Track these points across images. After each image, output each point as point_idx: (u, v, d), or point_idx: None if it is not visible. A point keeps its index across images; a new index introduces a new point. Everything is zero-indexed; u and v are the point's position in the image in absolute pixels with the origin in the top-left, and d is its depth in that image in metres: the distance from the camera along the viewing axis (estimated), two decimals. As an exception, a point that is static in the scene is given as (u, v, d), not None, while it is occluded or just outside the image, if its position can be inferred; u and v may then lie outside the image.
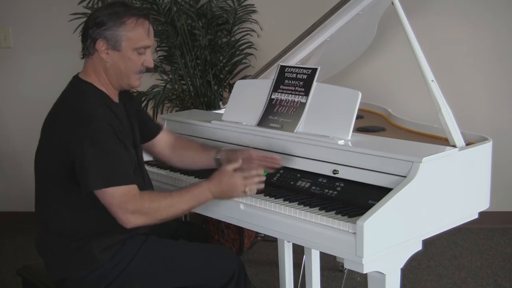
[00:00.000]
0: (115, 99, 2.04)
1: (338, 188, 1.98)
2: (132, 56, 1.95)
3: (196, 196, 1.92)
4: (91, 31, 1.93)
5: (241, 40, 3.81)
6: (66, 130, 1.87)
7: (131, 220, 1.83)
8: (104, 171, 1.82)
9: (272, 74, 2.37)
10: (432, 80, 2.12)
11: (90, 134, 1.82)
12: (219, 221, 2.22)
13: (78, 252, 1.92)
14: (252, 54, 3.80)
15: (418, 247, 1.94)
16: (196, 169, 2.27)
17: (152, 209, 1.86)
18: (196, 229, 2.39)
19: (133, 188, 1.86)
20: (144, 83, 3.74)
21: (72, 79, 2.03)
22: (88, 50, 1.96)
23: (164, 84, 3.61)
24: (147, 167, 2.41)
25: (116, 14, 1.92)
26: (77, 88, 1.99)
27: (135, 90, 3.39)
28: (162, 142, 2.29)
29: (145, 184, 2.09)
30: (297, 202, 1.96)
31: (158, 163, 2.44)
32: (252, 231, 3.64)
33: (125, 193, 1.84)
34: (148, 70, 2.04)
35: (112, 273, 1.91)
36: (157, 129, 2.29)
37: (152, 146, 2.29)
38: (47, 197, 1.98)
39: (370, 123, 2.57)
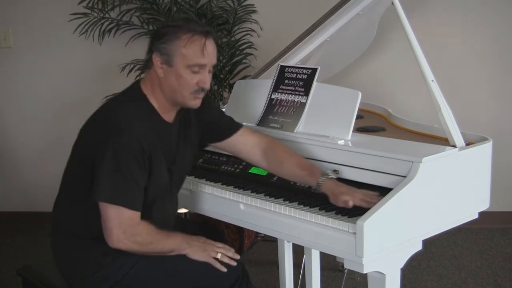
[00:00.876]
0: (167, 117, 1.96)
1: (338, 188, 1.98)
2: (184, 73, 1.86)
3: (176, 243, 1.92)
4: (152, 44, 1.89)
5: (241, 40, 3.81)
6: (97, 134, 1.86)
7: (123, 242, 1.84)
8: (116, 187, 1.80)
9: (272, 74, 2.37)
10: (432, 80, 2.12)
11: (115, 147, 1.79)
12: (219, 221, 2.22)
13: (81, 252, 1.93)
14: (252, 54, 3.80)
15: (418, 247, 1.94)
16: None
17: (146, 241, 1.87)
18: (212, 231, 2.37)
19: (139, 216, 1.86)
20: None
21: (133, 83, 1.98)
22: (147, 62, 1.91)
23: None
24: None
25: (174, 28, 1.86)
26: (131, 95, 1.95)
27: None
28: (242, 143, 2.13)
29: (170, 207, 2.06)
30: (297, 202, 1.96)
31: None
32: (252, 231, 3.63)
33: (132, 218, 1.84)
34: (203, 89, 1.92)
35: (116, 275, 1.91)
36: (233, 128, 2.14)
37: (231, 146, 2.16)
38: (66, 192, 1.99)
39: (370, 123, 2.57)
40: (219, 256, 1.94)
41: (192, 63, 1.86)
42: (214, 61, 1.92)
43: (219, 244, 1.98)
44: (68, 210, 1.97)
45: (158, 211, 1.98)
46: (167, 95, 1.92)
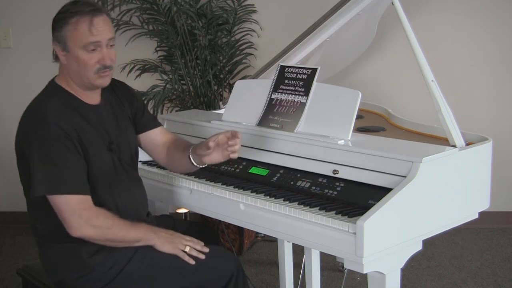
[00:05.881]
0: (90, 100, 1.98)
1: (338, 188, 1.98)
2: (81, 55, 1.88)
3: (142, 232, 1.92)
4: (52, 34, 1.92)
5: (241, 40, 3.81)
6: (23, 133, 1.89)
7: (84, 227, 1.82)
8: (52, 177, 1.80)
9: (272, 74, 2.37)
10: (432, 80, 2.12)
11: (39, 139, 1.82)
12: (219, 221, 2.22)
13: (67, 256, 1.92)
14: (252, 54, 3.80)
15: (418, 247, 1.94)
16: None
17: (105, 224, 1.86)
18: (206, 230, 2.36)
19: (89, 199, 1.86)
20: (144, 83, 3.76)
21: (49, 81, 2.02)
22: (54, 53, 1.95)
23: (164, 84, 3.61)
24: (147, 167, 2.41)
25: (63, 14, 1.89)
26: (45, 90, 1.99)
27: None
28: (157, 140, 2.19)
29: (127, 186, 2.04)
30: (297, 202, 1.96)
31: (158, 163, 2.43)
32: (252, 231, 3.64)
33: (81, 201, 1.83)
34: (105, 66, 1.92)
35: (108, 275, 1.90)
36: (154, 124, 2.21)
37: (146, 141, 2.20)
38: (30, 203, 1.98)
39: (370, 123, 2.57)
40: (187, 249, 1.94)
41: (83, 43, 1.87)
42: (108, 35, 1.91)
43: (187, 237, 1.98)
44: (39, 219, 1.96)
45: (121, 195, 1.98)
46: (75, 80, 1.95)
